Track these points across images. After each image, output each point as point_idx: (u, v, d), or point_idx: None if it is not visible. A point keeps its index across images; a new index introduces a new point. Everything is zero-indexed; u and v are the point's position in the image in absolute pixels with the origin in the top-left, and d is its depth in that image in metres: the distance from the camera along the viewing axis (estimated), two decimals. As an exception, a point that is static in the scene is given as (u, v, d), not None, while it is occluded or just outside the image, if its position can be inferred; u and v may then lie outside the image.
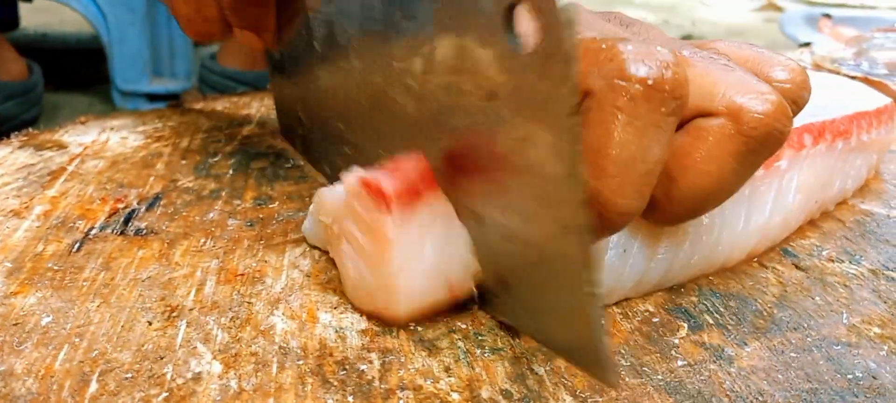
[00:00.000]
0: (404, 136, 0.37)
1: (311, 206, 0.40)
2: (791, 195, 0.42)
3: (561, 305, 0.30)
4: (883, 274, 0.41)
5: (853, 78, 0.74)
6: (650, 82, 0.29)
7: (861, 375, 0.32)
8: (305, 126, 0.51)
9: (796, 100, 0.35)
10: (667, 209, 0.33)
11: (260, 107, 0.65)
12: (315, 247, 0.41)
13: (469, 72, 0.30)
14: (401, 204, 0.33)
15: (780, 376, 0.32)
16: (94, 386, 0.30)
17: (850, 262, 0.42)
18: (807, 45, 0.97)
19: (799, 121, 0.44)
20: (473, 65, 0.30)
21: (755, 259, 0.42)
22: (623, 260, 0.36)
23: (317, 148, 0.49)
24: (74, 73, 1.28)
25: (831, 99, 0.50)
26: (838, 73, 0.74)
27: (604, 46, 0.30)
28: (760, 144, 0.32)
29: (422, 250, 0.34)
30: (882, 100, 0.51)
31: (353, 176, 0.34)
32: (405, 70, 0.35)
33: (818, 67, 0.77)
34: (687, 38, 1.75)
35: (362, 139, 0.42)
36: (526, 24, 0.26)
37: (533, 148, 0.28)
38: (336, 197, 0.37)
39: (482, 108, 0.30)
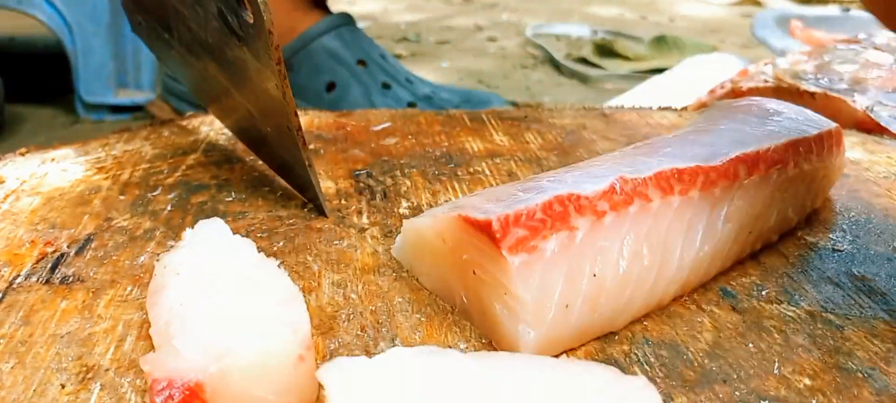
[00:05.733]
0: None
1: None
2: (720, 223, 0.42)
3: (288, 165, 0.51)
4: (820, 316, 0.40)
5: (813, 93, 0.73)
6: None
7: (785, 433, 0.32)
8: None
9: None
10: None
11: (209, 131, 0.64)
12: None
13: None
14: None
15: (702, 436, 0.32)
16: (-5, 461, 0.29)
17: (789, 303, 0.42)
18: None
19: (735, 149, 0.44)
20: None
21: (693, 299, 0.42)
22: (566, 314, 0.36)
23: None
24: (39, 83, 1.26)
25: (780, 125, 0.49)
26: (798, 88, 0.74)
27: None
28: None
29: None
30: (826, 125, 0.50)
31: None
32: None
33: (779, 81, 0.77)
34: (662, 36, 1.74)
35: None
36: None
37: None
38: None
39: None
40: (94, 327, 0.37)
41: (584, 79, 1.55)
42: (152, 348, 0.35)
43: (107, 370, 0.34)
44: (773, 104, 0.55)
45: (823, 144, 0.49)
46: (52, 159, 0.56)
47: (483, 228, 0.35)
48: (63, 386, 0.33)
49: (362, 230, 0.48)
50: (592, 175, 0.40)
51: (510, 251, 0.34)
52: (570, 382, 0.28)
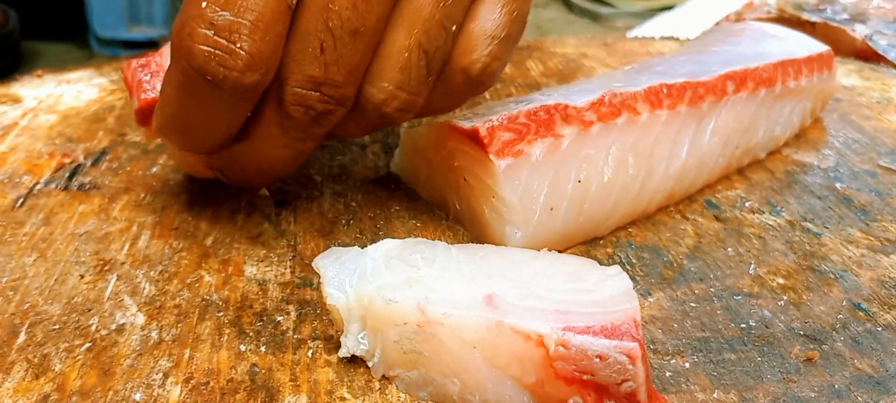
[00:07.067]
0: None
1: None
2: (706, 137, 0.43)
3: None
4: (799, 225, 0.42)
5: (813, 23, 0.74)
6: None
7: (755, 324, 0.34)
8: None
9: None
10: None
11: (218, 58, 0.65)
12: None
13: None
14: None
15: (675, 325, 0.34)
16: (22, 337, 0.32)
17: (771, 213, 0.43)
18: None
19: (724, 68, 0.45)
20: None
21: (678, 209, 0.43)
22: (551, 216, 0.38)
23: None
24: (54, 19, 1.28)
25: (771, 47, 0.50)
26: (800, 18, 0.75)
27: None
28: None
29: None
30: (817, 48, 0.51)
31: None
32: None
33: (781, 12, 0.77)
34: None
35: None
36: None
37: None
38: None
39: None
40: (111, 227, 0.40)
41: (595, 16, 1.55)
42: (164, 244, 0.38)
43: (122, 263, 0.37)
44: (768, 28, 0.56)
45: (813, 66, 0.50)
46: (68, 81, 0.58)
47: (471, 135, 0.37)
48: (82, 276, 0.36)
49: (364, 147, 0.50)
50: (584, 90, 0.42)
51: (497, 155, 0.36)
52: (547, 267, 0.30)
